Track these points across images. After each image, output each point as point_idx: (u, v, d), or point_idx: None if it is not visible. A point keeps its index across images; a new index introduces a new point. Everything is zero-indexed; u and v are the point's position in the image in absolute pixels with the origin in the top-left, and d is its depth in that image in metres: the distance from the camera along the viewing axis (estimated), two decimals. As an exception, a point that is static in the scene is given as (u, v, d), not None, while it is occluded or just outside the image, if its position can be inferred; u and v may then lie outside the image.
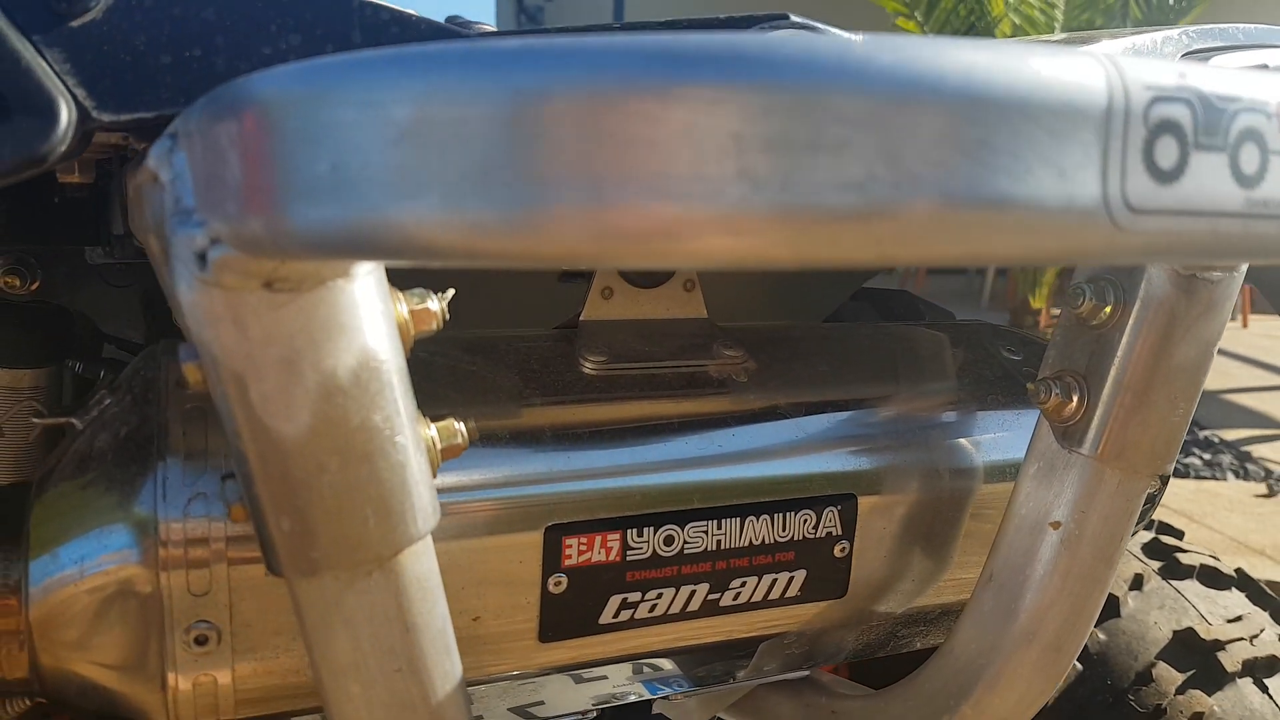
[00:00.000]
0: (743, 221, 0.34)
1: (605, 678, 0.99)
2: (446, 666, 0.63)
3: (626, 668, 0.98)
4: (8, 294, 1.30)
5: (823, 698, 1.08)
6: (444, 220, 0.36)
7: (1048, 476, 0.83)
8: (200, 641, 0.70)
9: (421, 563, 0.61)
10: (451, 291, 0.61)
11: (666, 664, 0.99)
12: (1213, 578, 1.58)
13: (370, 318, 0.54)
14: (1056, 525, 0.82)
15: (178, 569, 0.68)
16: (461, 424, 0.63)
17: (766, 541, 0.86)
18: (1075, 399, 0.80)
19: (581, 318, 0.93)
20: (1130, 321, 0.78)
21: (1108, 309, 0.78)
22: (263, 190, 0.42)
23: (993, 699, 0.87)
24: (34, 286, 1.31)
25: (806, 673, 1.10)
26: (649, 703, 1.54)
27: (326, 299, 0.52)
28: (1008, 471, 0.95)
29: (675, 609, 0.85)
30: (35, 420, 0.77)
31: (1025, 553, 0.84)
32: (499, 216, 0.35)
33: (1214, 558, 1.63)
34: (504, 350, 0.88)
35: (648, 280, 0.96)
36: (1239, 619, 1.54)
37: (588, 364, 0.88)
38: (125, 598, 0.69)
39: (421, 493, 0.58)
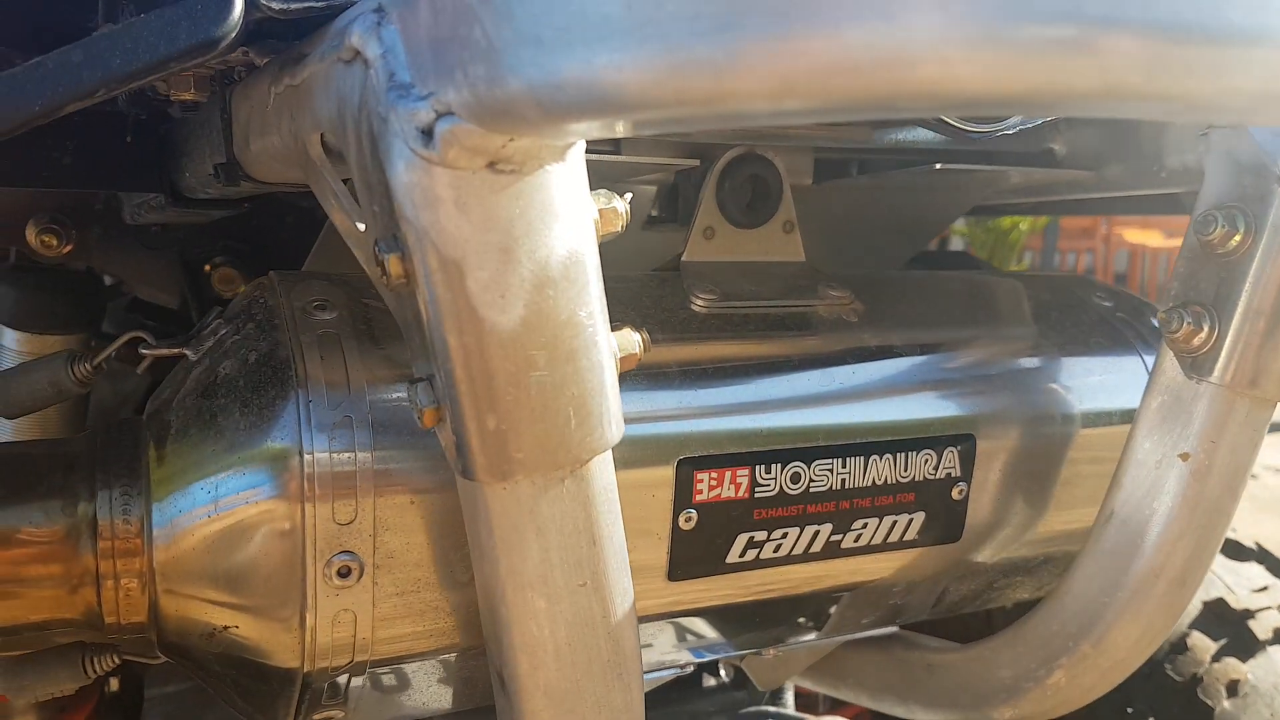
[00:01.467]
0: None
1: (700, 635, 0.98)
2: (625, 585, 0.62)
3: (712, 623, 0.97)
4: (41, 255, 1.26)
5: (915, 652, 1.08)
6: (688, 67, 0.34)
7: (1174, 409, 0.83)
8: (343, 574, 0.68)
9: (607, 473, 0.60)
10: (630, 195, 0.60)
11: (755, 619, 0.98)
12: (1235, 550, 1.62)
13: (578, 208, 0.53)
14: (1185, 457, 0.82)
15: (323, 497, 0.66)
16: (637, 334, 0.62)
17: (889, 482, 0.86)
18: (1205, 328, 0.81)
19: (684, 258, 0.93)
20: (1260, 248, 0.79)
21: (1238, 236, 0.79)
22: (502, 48, 0.40)
23: (1115, 636, 0.87)
24: (67, 250, 1.27)
25: (896, 628, 1.10)
26: (699, 672, 1.53)
27: (544, 184, 0.51)
28: (1113, 415, 0.96)
29: (798, 550, 0.84)
30: (143, 350, 0.74)
31: (1150, 487, 0.85)
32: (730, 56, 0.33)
33: (1233, 530, 1.66)
34: (613, 289, 0.87)
35: (749, 220, 0.95)
36: (1264, 589, 1.58)
37: (698, 302, 0.87)
38: (264, 529, 0.66)
39: (613, 399, 0.57)
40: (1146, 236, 7.30)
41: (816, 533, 0.84)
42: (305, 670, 0.70)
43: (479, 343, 0.52)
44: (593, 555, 0.59)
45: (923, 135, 0.99)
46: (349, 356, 0.70)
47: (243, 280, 1.37)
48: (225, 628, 0.69)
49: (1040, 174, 1.06)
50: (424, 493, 0.69)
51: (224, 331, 0.74)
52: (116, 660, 0.81)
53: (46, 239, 1.25)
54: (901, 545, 0.89)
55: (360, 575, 0.68)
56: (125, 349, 1.06)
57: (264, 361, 0.69)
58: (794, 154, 0.99)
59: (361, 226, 0.59)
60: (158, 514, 0.69)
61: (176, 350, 0.74)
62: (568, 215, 0.52)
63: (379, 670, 0.75)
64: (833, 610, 0.99)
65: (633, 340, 0.61)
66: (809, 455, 0.82)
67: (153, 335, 1.46)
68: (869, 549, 0.88)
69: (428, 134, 0.48)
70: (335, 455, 0.67)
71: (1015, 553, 0.99)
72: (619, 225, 0.58)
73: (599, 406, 0.56)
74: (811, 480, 0.83)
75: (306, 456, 0.66)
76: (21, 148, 0.96)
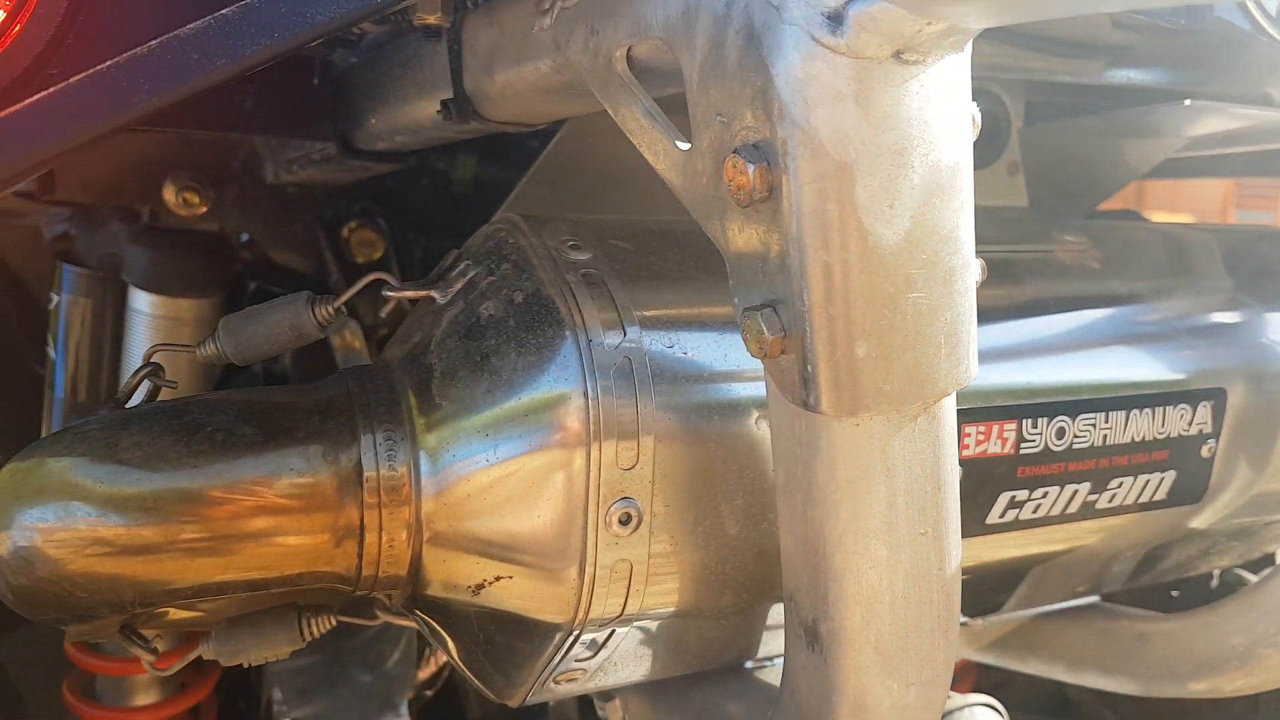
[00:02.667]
0: None
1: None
2: (958, 535, 0.58)
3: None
4: (177, 214, 1.23)
5: (1121, 622, 1.03)
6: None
7: None
8: (624, 522, 0.64)
9: (952, 411, 0.55)
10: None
11: (983, 586, 0.94)
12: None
13: (964, 107, 0.49)
14: None
15: (608, 441, 0.62)
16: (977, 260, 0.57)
17: (1146, 438, 0.81)
18: None
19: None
20: None
21: None
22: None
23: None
24: (204, 209, 1.24)
25: (1097, 598, 1.05)
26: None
27: (944, 78, 0.46)
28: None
29: (1055, 511, 0.79)
30: (387, 293, 0.70)
31: None
32: None
33: None
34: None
35: (975, 161, 0.90)
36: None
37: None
38: (545, 474, 0.62)
39: (974, 330, 0.53)
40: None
41: (1075, 493, 0.80)
42: (574, 624, 0.66)
43: (858, 259, 0.47)
44: (936, 501, 0.55)
45: (1140, 75, 0.94)
46: (617, 297, 0.66)
47: (381, 243, 1.34)
48: (496, 579, 0.65)
49: (1256, 117, 1.00)
50: (699, 440, 0.65)
51: (474, 273, 0.70)
52: (333, 622, 0.77)
53: (188, 196, 1.22)
54: (1149, 506, 0.85)
55: (638, 524, 0.64)
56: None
57: (533, 302, 0.65)
58: (1017, 92, 0.94)
59: (684, 145, 0.54)
60: (426, 461, 0.65)
61: (423, 292, 0.70)
62: (957, 115, 0.48)
63: (636, 627, 0.71)
64: (1042, 577, 0.95)
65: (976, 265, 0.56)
66: (1074, 409, 0.78)
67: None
68: (1119, 510, 0.83)
69: (836, 19, 0.43)
70: (618, 398, 0.63)
71: (1240, 517, 0.94)
72: (976, 134, 0.53)
73: (966, 335, 0.51)
74: (1075, 437, 0.78)
75: (591, 398, 0.62)
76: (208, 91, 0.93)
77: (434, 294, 0.70)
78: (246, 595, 0.67)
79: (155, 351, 0.71)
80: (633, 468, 0.63)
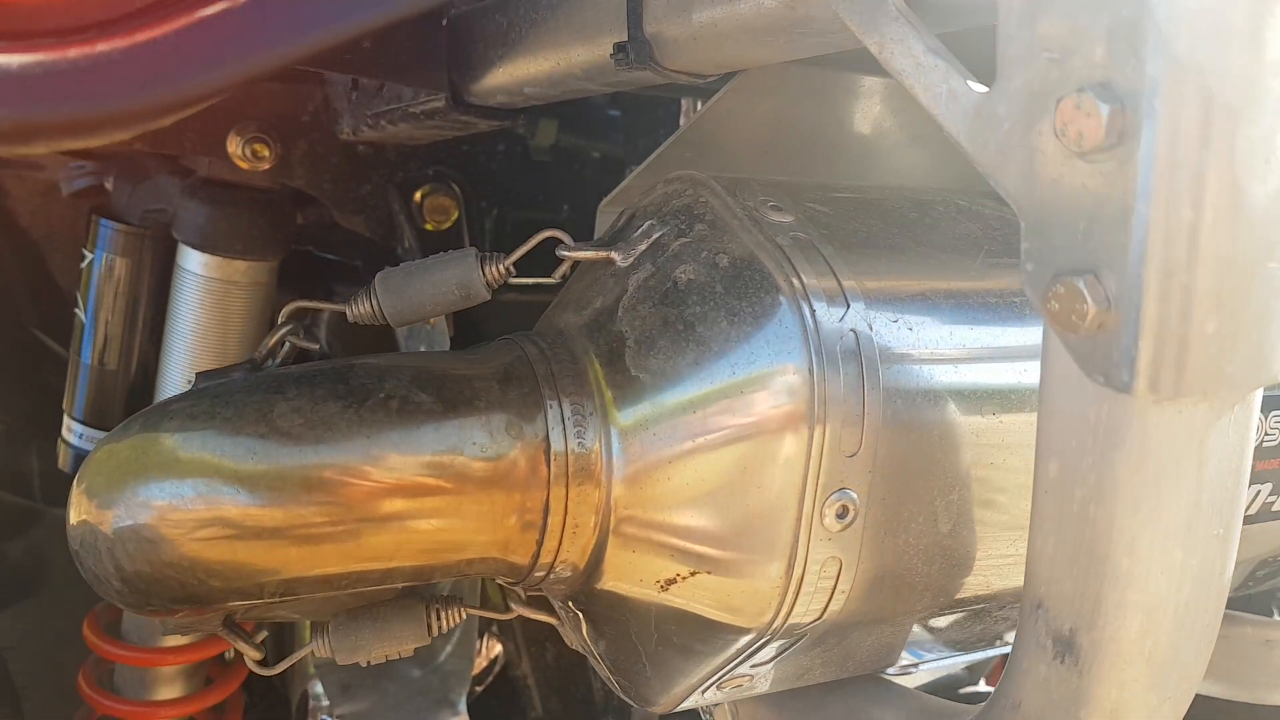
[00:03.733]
0: None
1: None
2: (1239, 536, 0.52)
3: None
4: (240, 169, 1.15)
5: (1246, 629, 0.98)
6: None
7: None
8: (840, 515, 0.57)
9: (1258, 399, 0.50)
10: None
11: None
12: None
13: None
14: None
15: (833, 424, 0.56)
16: None
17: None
18: None
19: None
20: None
21: None
22: None
23: None
24: (270, 165, 1.15)
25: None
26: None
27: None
28: None
29: (1253, 510, 0.74)
30: (562, 252, 0.63)
31: None
32: None
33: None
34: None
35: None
36: None
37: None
38: (762, 457, 0.56)
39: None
40: None
41: (1258, 492, 0.75)
42: (769, 628, 0.60)
43: (1225, 219, 0.41)
44: (1234, 498, 0.49)
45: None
46: (834, 264, 0.59)
47: (455, 210, 1.26)
48: (691, 574, 0.58)
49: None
50: (922, 427, 0.59)
51: (659, 233, 0.63)
52: (464, 615, 0.70)
53: (257, 148, 1.13)
54: (1322, 512, 0.80)
55: (854, 518, 0.58)
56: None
57: (742, 265, 0.58)
58: None
59: (978, 86, 0.48)
60: (619, 438, 0.58)
61: (603, 253, 0.63)
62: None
63: (823, 632, 0.65)
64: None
65: None
66: (1272, 405, 0.73)
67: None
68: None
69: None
70: (846, 375, 0.56)
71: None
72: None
73: (1302, 313, 0.46)
74: (1267, 433, 0.73)
75: (816, 375, 0.55)
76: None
77: (614, 255, 0.63)
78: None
79: (295, 309, 0.64)
80: (855, 454, 0.57)
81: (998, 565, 0.66)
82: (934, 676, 1.06)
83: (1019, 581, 0.69)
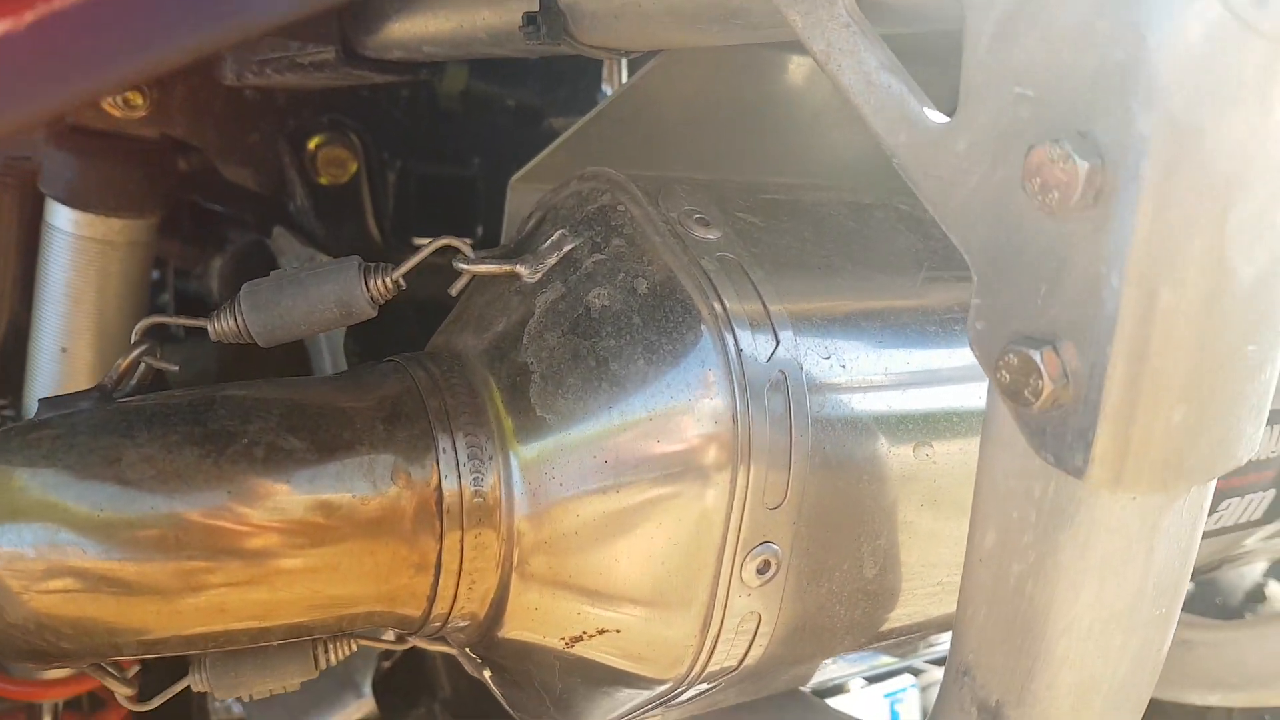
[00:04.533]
0: None
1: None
2: (1178, 612, 0.49)
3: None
4: (111, 117, 1.02)
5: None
6: None
7: None
8: (761, 570, 0.52)
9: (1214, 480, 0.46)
10: None
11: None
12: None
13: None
14: None
15: (757, 474, 0.50)
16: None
17: (1261, 457, 0.75)
18: None
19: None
20: None
21: None
22: None
23: None
24: (144, 112, 1.03)
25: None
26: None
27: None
28: None
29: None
30: (462, 265, 0.55)
31: None
32: None
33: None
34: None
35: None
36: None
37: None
38: (677, 510, 0.50)
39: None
40: None
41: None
42: (683, 682, 0.55)
43: (1206, 300, 0.36)
44: (1180, 579, 0.46)
45: None
46: (763, 291, 0.53)
47: (353, 163, 1.16)
48: (600, 632, 0.53)
49: None
50: (852, 471, 0.54)
51: (571, 246, 0.56)
52: (353, 647, 0.64)
53: (129, 96, 1.01)
54: (1243, 527, 0.78)
55: (775, 572, 0.53)
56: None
57: (663, 293, 0.52)
58: None
59: (937, 117, 0.42)
60: (521, 483, 0.52)
61: (508, 267, 0.56)
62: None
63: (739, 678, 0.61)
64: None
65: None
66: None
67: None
68: (1220, 531, 0.77)
69: (1263, -12, 0.31)
70: (773, 421, 0.51)
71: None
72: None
73: (1268, 397, 0.41)
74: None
75: (740, 421, 0.50)
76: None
77: (521, 270, 0.56)
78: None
79: (149, 325, 0.55)
80: (779, 506, 0.52)
81: (922, 600, 0.62)
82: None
83: (940, 612, 0.66)
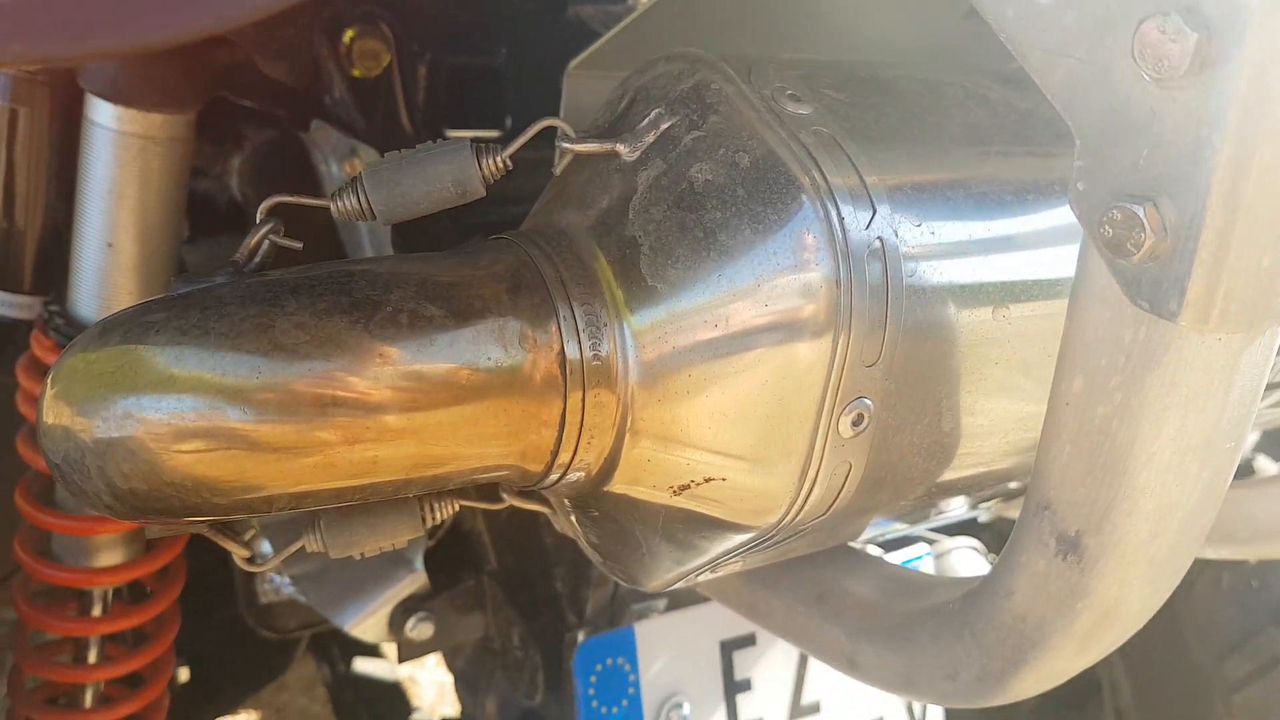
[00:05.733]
0: None
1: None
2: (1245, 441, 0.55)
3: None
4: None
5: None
6: None
7: None
8: (856, 423, 0.58)
9: (1281, 320, 0.51)
10: None
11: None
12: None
13: None
14: None
15: (856, 334, 0.56)
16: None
17: None
18: None
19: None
20: None
21: None
22: None
23: None
24: (176, 3, 1.04)
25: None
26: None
27: None
28: None
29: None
30: (564, 145, 0.59)
31: None
32: None
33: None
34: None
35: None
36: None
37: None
38: (783, 367, 0.56)
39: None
40: None
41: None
42: (776, 528, 0.61)
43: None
44: (1249, 413, 0.52)
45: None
46: (857, 162, 0.57)
47: (386, 55, 1.17)
48: (706, 480, 0.59)
49: None
50: (938, 333, 0.59)
51: (668, 124, 0.59)
52: (456, 507, 0.70)
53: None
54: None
55: (867, 425, 0.59)
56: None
57: (764, 166, 0.56)
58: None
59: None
60: (634, 346, 0.57)
61: (608, 145, 0.60)
62: None
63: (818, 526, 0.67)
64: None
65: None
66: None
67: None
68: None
69: None
70: (871, 285, 0.56)
71: None
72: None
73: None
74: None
75: (843, 285, 0.55)
76: None
77: (620, 149, 0.60)
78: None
79: (275, 204, 0.59)
80: (874, 364, 0.57)
81: (987, 452, 0.68)
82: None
83: (1002, 465, 0.72)
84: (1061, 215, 0.65)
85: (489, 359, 0.55)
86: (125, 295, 1.03)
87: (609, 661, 1.15)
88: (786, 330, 0.55)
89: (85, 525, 1.11)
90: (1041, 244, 0.63)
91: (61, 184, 1.13)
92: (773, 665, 1.24)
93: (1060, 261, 0.64)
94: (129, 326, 0.53)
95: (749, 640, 1.22)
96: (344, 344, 0.52)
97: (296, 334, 0.51)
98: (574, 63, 0.80)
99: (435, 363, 0.53)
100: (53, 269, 1.17)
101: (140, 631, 1.13)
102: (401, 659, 1.26)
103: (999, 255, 0.61)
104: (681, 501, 0.61)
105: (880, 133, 0.61)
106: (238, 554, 0.67)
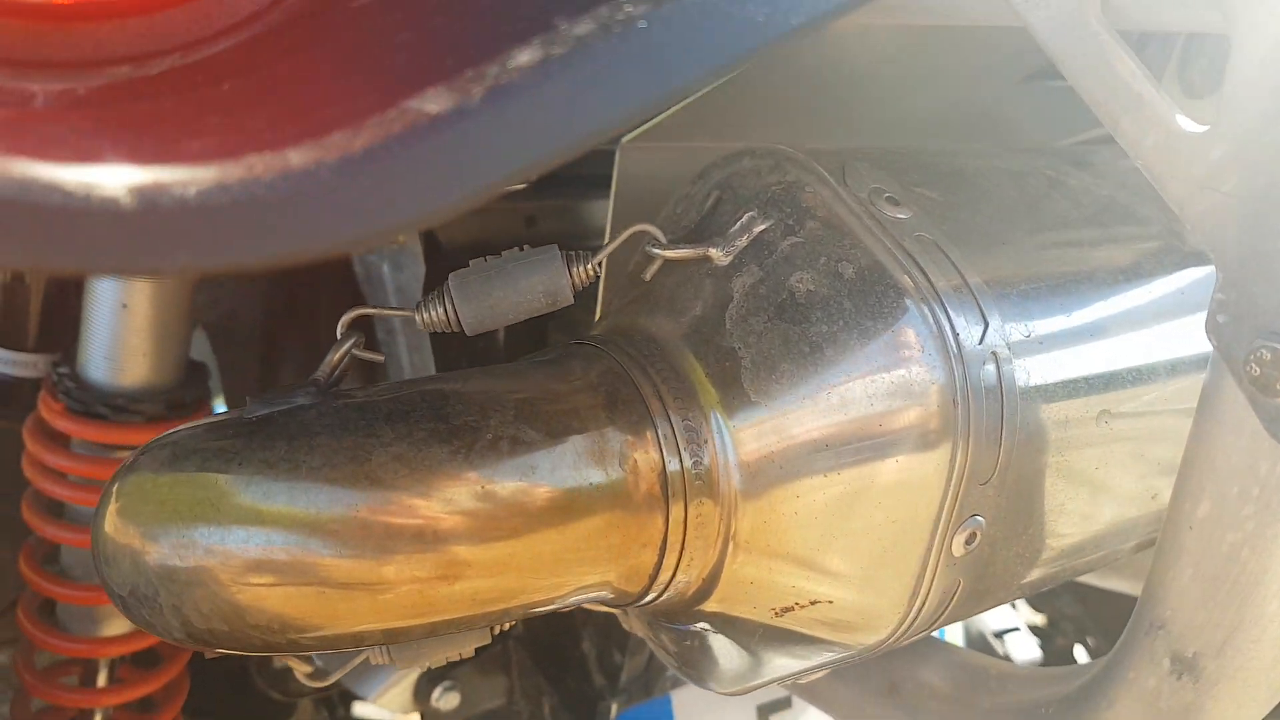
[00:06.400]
0: None
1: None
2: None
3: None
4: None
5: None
6: None
7: None
8: (969, 542, 0.57)
9: None
10: None
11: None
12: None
13: None
14: None
15: (975, 451, 0.54)
16: None
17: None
18: None
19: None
20: None
21: None
22: None
23: None
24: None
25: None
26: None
27: None
28: None
29: None
30: (653, 252, 0.57)
31: None
32: None
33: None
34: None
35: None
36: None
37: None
38: (898, 488, 0.54)
39: None
40: None
41: None
42: (879, 647, 0.60)
43: None
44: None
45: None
46: (964, 271, 0.56)
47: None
48: (811, 603, 0.57)
49: None
50: (1048, 448, 0.58)
51: (762, 228, 0.58)
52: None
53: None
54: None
55: (977, 543, 0.58)
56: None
57: (871, 278, 0.55)
58: None
59: (1190, 125, 0.45)
60: (739, 464, 0.55)
61: (699, 251, 0.58)
62: None
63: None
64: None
65: None
66: None
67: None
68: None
69: None
70: (987, 398, 0.54)
71: None
72: None
73: None
74: None
75: (960, 402, 0.53)
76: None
77: (712, 253, 0.58)
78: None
79: (355, 317, 0.57)
80: (988, 481, 0.56)
81: (1077, 554, 0.67)
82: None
83: (1085, 563, 0.71)
84: (1150, 300, 0.65)
85: (590, 482, 0.53)
86: (140, 356, 1.00)
87: (647, 732, 1.13)
88: (902, 448, 0.54)
89: (94, 595, 1.08)
90: (1138, 338, 0.63)
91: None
92: (810, 729, 1.23)
93: (1156, 350, 0.63)
94: (206, 455, 0.51)
95: (785, 704, 1.21)
96: (445, 475, 0.50)
97: (395, 466, 0.49)
98: (629, 137, 0.79)
99: (538, 490, 0.52)
100: (58, 326, 1.14)
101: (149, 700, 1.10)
102: (428, 730, 1.24)
103: (1099, 355, 0.61)
104: (782, 622, 0.59)
105: (977, 235, 0.60)
106: (300, 670, 0.65)
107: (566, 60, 0.29)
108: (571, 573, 0.54)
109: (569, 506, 0.52)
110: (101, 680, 1.10)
